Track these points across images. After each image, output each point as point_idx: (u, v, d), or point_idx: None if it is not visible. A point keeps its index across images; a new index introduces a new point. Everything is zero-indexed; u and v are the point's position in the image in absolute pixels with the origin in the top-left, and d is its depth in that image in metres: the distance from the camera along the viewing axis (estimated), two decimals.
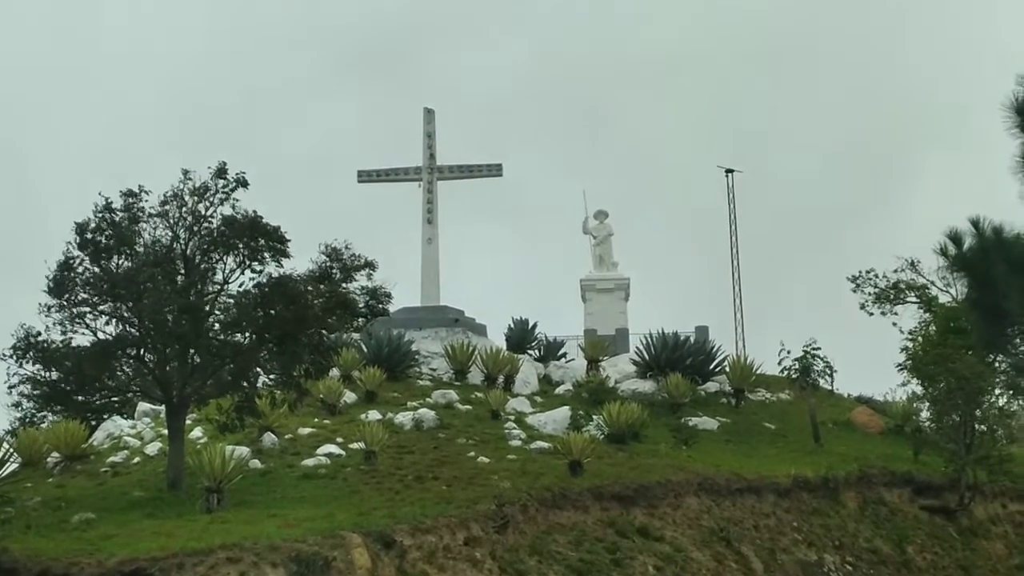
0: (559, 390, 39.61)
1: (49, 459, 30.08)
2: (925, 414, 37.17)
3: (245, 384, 26.92)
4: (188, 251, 26.39)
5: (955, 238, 11.40)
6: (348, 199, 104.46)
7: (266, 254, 26.32)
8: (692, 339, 43.33)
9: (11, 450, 27.24)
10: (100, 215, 25.80)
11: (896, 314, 48.00)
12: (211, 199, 26.37)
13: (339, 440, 30.13)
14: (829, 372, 41.43)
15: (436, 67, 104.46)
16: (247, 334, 26.62)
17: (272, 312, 26.00)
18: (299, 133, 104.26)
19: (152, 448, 30.66)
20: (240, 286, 26.67)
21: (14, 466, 26.81)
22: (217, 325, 26.64)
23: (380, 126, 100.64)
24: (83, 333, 25.91)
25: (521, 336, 44.18)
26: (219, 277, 26.80)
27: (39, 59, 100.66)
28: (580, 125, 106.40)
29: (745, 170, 59.63)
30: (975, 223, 11.31)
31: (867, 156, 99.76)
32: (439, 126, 48.47)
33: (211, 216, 26.42)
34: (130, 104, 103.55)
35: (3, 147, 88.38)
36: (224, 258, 26.55)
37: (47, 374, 25.81)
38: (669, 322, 53.25)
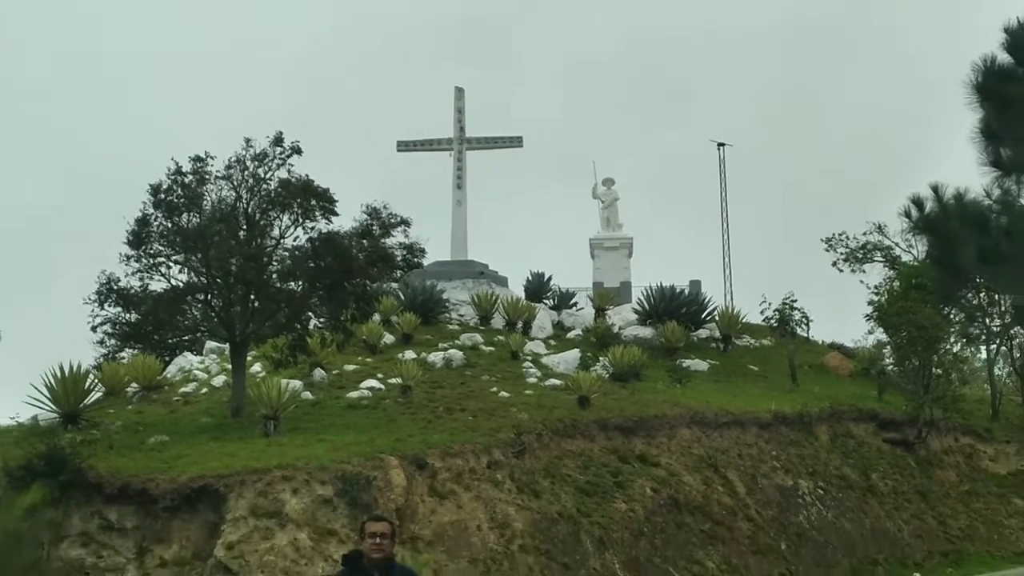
0: (570, 335, 39.64)
1: (129, 389, 30.25)
2: (889, 359, 37.17)
3: (298, 326, 26.93)
4: (249, 209, 26.26)
5: (917, 202, 11.30)
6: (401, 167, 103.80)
7: (317, 213, 26.27)
8: (687, 291, 43.26)
9: (96, 381, 27.37)
10: (172, 178, 25.74)
11: (864, 272, 48.07)
12: (269, 164, 26.27)
13: (379, 376, 30.21)
14: (805, 321, 41.45)
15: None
16: (300, 283, 26.59)
17: (322, 264, 25.94)
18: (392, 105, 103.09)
19: (218, 381, 30.84)
20: (294, 241, 26.65)
21: (98, 395, 26.93)
22: (275, 275, 26.64)
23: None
24: (158, 280, 25.91)
25: (538, 287, 44.15)
26: (276, 233, 26.71)
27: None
28: (612, 107, 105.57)
29: (736, 144, 60.31)
30: (935, 188, 11.21)
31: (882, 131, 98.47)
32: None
33: (269, 179, 26.30)
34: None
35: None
36: (280, 216, 26.45)
37: (127, 316, 25.84)
38: (667, 276, 53.16)
